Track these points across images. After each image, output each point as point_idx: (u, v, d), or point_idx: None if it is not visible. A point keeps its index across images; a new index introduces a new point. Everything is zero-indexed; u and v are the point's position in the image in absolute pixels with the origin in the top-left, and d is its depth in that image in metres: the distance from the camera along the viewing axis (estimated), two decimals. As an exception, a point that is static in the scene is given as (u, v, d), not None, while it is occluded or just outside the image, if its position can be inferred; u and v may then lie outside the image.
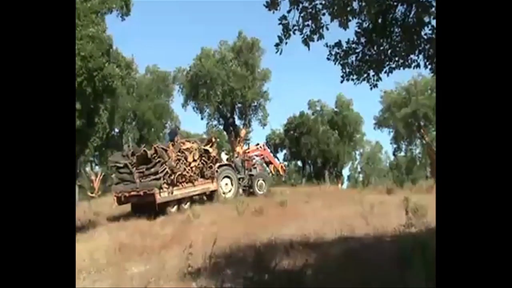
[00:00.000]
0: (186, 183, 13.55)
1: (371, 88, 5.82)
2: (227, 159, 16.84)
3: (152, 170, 12.73)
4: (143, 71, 31.41)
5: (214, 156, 14.70)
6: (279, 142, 40.21)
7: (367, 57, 5.80)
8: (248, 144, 21.07)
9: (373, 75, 5.79)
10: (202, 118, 29.67)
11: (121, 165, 13.14)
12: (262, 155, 18.94)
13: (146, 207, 12.46)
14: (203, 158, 14.22)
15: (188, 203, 13.67)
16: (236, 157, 17.71)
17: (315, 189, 18.66)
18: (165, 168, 12.79)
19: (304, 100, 66.69)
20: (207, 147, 14.52)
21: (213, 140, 15.29)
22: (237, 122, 30.33)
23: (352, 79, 5.83)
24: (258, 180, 16.87)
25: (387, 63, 5.80)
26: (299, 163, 41.10)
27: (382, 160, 57.18)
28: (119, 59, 16.86)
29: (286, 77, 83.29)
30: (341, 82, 5.82)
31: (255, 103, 29.54)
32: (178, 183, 13.17)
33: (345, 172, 47.92)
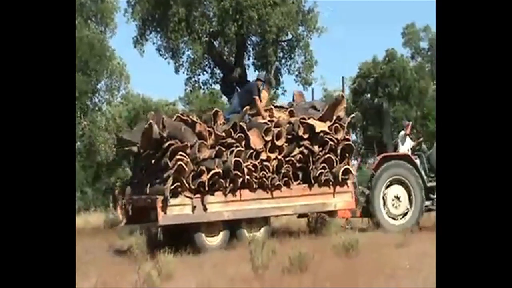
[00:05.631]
0: (252, 190, 14.42)
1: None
2: (413, 147, 17.59)
3: (162, 163, 13.97)
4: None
5: (340, 140, 15.13)
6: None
7: None
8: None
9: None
10: (177, 70, 29.71)
11: (135, 150, 15.26)
12: None
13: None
14: (306, 142, 14.80)
15: (264, 230, 14.64)
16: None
17: (363, 224, 18.21)
18: (183, 160, 13.60)
19: (396, 28, 66.34)
20: (318, 121, 15.00)
21: (336, 104, 15.52)
22: (251, 75, 30.18)
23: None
24: None
25: None
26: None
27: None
28: None
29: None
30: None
31: (289, 36, 29.35)
32: (223, 191, 14.30)
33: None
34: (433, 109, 37.34)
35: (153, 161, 14.37)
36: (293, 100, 16.70)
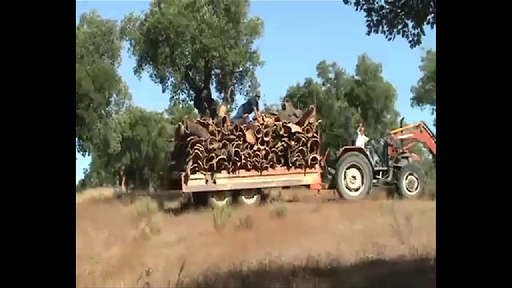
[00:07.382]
0: (247, 170, 15.15)
1: (411, 46, 5.75)
2: (366, 143, 17.69)
3: (186, 151, 15.02)
4: (76, 21, 31.00)
5: (310, 138, 15.62)
6: (275, 123, 40.49)
7: (405, -1, 5.80)
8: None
9: (413, 27, 5.75)
10: (163, 90, 29.54)
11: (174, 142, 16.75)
12: (416, 140, 19.23)
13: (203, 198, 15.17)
14: (285, 139, 15.42)
15: (256, 198, 15.33)
16: (380, 140, 18.86)
17: (330, 194, 18.33)
18: (199, 149, 14.63)
19: (312, 63, 67.03)
20: (295, 125, 15.57)
21: (308, 114, 16.10)
22: (214, 95, 30.25)
23: (383, 31, 5.75)
24: (408, 175, 17.15)
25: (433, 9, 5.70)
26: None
27: (423, 150, 56.89)
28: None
29: (285, 31, 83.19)
30: (368, 34, 5.79)
31: (240, 69, 29.35)
32: (227, 170, 15.02)
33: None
34: (337, 120, 37.89)
35: (181, 149, 15.54)
36: (284, 108, 17.47)
